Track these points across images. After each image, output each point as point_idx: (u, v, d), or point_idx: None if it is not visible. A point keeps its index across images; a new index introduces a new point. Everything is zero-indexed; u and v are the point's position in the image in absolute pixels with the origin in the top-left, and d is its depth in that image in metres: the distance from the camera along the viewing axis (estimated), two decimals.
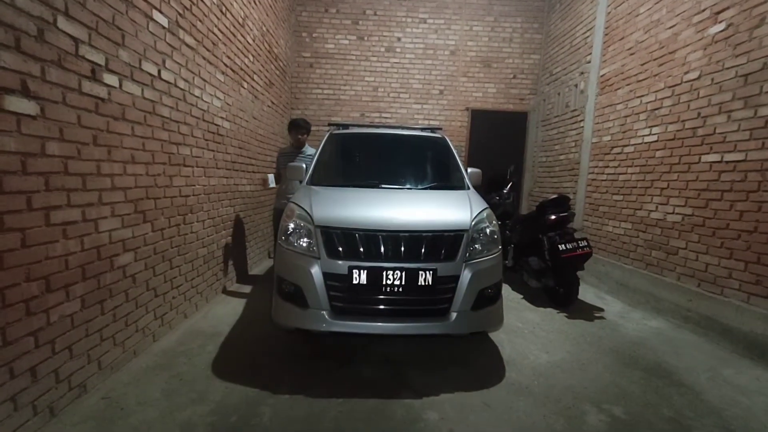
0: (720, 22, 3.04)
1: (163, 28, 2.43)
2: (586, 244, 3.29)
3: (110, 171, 2.00)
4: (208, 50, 3.07)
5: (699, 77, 3.22)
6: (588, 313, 3.37)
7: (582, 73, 5.07)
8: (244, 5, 3.87)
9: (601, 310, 3.48)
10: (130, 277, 2.21)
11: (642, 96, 3.88)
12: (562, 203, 3.69)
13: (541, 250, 3.53)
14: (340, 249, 2.13)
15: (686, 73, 3.35)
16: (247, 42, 4.01)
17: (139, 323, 2.30)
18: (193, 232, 2.98)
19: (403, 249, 2.16)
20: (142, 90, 2.24)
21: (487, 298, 2.22)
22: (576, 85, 5.21)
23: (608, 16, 4.53)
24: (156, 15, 2.34)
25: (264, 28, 4.59)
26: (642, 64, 3.90)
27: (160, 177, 2.48)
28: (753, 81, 2.76)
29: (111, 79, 1.98)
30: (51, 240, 1.65)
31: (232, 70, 3.63)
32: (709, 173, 3.07)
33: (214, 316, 2.98)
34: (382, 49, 6.22)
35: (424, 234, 2.18)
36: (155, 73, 2.36)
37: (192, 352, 2.38)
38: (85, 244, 1.86)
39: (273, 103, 5.17)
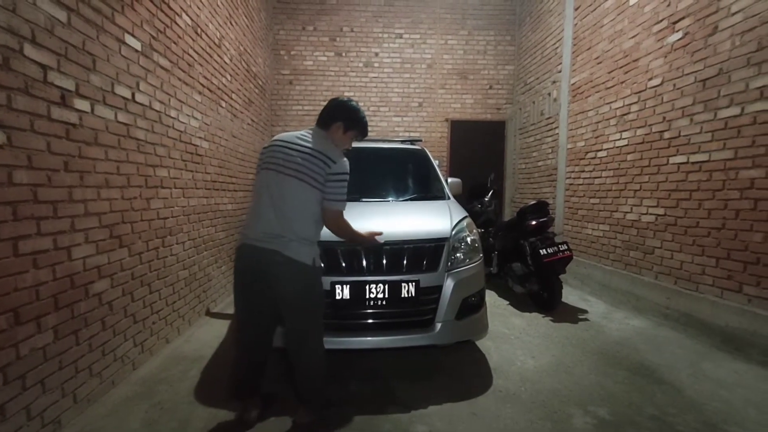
0: (677, 31, 3.22)
1: (136, 51, 2.42)
2: (566, 247, 3.36)
3: (83, 197, 1.97)
4: (183, 71, 3.07)
5: (662, 83, 3.38)
6: (572, 315, 3.42)
7: (554, 82, 5.25)
8: (220, 26, 3.90)
9: (585, 311, 3.54)
10: (106, 304, 2.15)
11: (611, 102, 4.04)
12: (542, 208, 3.77)
13: (523, 256, 3.59)
14: (322, 265, 2.12)
15: (650, 79, 3.51)
16: (224, 62, 4.03)
17: (117, 352, 2.23)
18: (173, 255, 2.93)
19: (385, 262, 2.17)
20: (116, 114, 2.22)
21: (470, 307, 2.24)
22: (549, 94, 5.39)
23: (575, 28, 4.73)
24: (128, 39, 2.34)
25: (241, 48, 4.62)
26: (609, 72, 4.07)
27: (137, 200, 2.44)
28: (711, 86, 2.91)
29: (82, 104, 1.96)
30: (20, 270, 1.60)
31: (210, 90, 3.63)
32: (678, 174, 3.19)
33: (198, 340, 2.91)
34: (360, 65, 6.32)
35: (405, 245, 2.19)
36: (129, 96, 2.35)
37: (174, 379, 2.31)
38: (57, 273, 1.80)
39: (253, 121, 5.17)
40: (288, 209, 1.70)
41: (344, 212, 1.81)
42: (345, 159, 1.79)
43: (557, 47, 5.17)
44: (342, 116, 1.85)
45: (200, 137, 3.39)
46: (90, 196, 2.02)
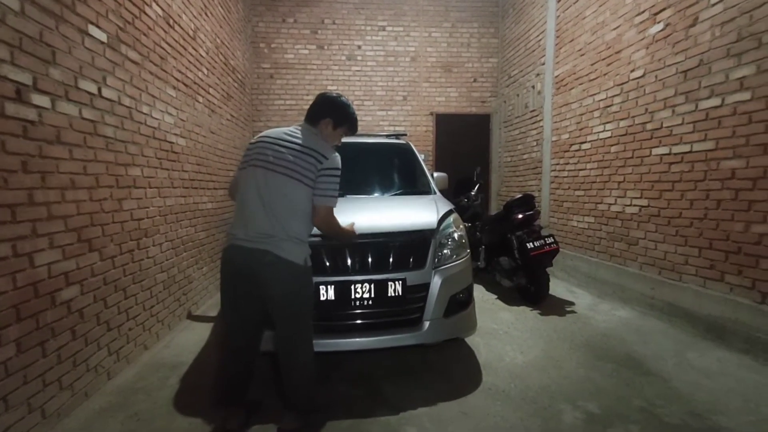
0: (658, 22, 3.22)
1: (102, 43, 2.28)
2: (552, 240, 3.36)
3: (45, 199, 1.83)
4: (155, 65, 2.92)
5: (644, 75, 3.38)
6: (560, 308, 3.44)
7: (538, 74, 5.24)
8: (195, 17, 3.73)
9: (572, 303, 3.56)
10: (76, 312, 2.02)
11: (594, 94, 4.05)
12: (528, 202, 3.76)
13: (510, 250, 3.58)
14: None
15: (632, 71, 3.52)
16: (200, 55, 3.87)
17: (90, 362, 2.11)
18: (150, 257, 2.80)
19: (370, 260, 2.10)
20: (80, 110, 2.08)
21: (458, 304, 2.20)
22: (533, 87, 5.38)
23: (558, 20, 4.72)
24: (92, 30, 2.19)
25: (218, 40, 4.45)
26: (592, 64, 4.07)
27: (107, 201, 2.31)
28: (692, 77, 2.92)
29: (41, 100, 1.82)
30: None
31: (185, 85, 3.48)
32: (660, 165, 3.22)
33: (178, 345, 2.81)
34: (343, 58, 6.20)
35: (390, 241, 2.14)
36: (95, 91, 2.20)
37: (152, 387, 2.21)
38: (18, 282, 1.68)
39: (233, 116, 5.01)
40: (279, 207, 1.63)
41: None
42: (336, 154, 1.73)
43: (540, 39, 5.16)
44: (331, 112, 1.79)
45: (176, 134, 3.25)
46: (53, 198, 1.89)
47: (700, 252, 2.86)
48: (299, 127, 1.79)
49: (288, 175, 1.63)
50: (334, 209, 1.76)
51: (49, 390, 1.83)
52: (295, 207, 1.65)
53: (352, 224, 1.97)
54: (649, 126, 3.34)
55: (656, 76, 3.25)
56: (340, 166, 1.71)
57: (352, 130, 1.88)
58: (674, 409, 1.92)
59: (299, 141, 1.69)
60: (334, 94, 1.85)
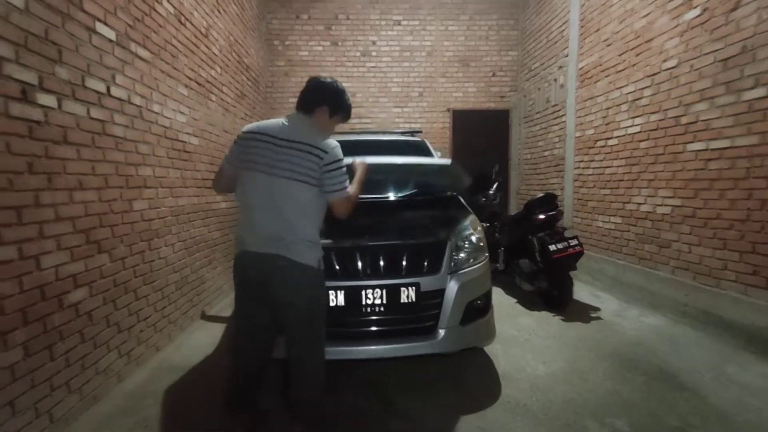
0: (695, 7, 2.98)
1: (110, 41, 2.24)
2: (577, 242, 3.18)
3: (52, 200, 1.81)
4: (167, 63, 2.88)
5: (678, 65, 3.15)
6: (584, 314, 3.25)
7: (560, 67, 5.01)
8: (207, 15, 3.69)
9: (597, 309, 3.37)
10: (85, 314, 2.00)
11: (622, 87, 3.81)
12: (550, 201, 3.58)
13: (531, 252, 3.41)
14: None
15: (664, 61, 3.28)
16: (213, 53, 3.84)
17: (99, 365, 2.09)
18: (162, 258, 2.78)
19: (382, 263, 2.00)
20: (88, 109, 2.05)
21: (476, 311, 2.08)
22: (555, 80, 5.15)
23: (582, 8, 4.48)
24: (100, 27, 2.15)
25: (231, 38, 4.42)
26: (619, 55, 3.84)
27: (117, 202, 2.28)
28: (733, 65, 2.69)
29: (47, 100, 1.79)
30: None
31: (197, 83, 3.44)
32: (696, 162, 2.99)
33: (190, 346, 2.78)
34: (358, 54, 6.09)
35: (404, 244, 2.03)
36: (103, 90, 2.17)
37: (161, 391, 2.17)
38: (25, 285, 1.65)
39: (247, 115, 4.98)
40: (287, 211, 1.55)
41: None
42: (335, 143, 1.61)
43: (563, 30, 4.92)
44: (328, 99, 1.67)
45: (188, 133, 3.22)
46: (61, 200, 1.86)
47: (741, 256, 2.63)
48: (292, 118, 1.66)
49: (292, 178, 1.54)
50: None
51: (57, 394, 1.81)
52: (303, 208, 1.57)
53: (361, 166, 1.80)
54: (683, 120, 3.11)
55: (691, 66, 3.02)
56: (341, 155, 1.61)
57: (347, 118, 1.78)
58: (714, 431, 1.75)
59: (296, 137, 1.57)
60: (329, 80, 1.71)
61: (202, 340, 2.90)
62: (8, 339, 1.58)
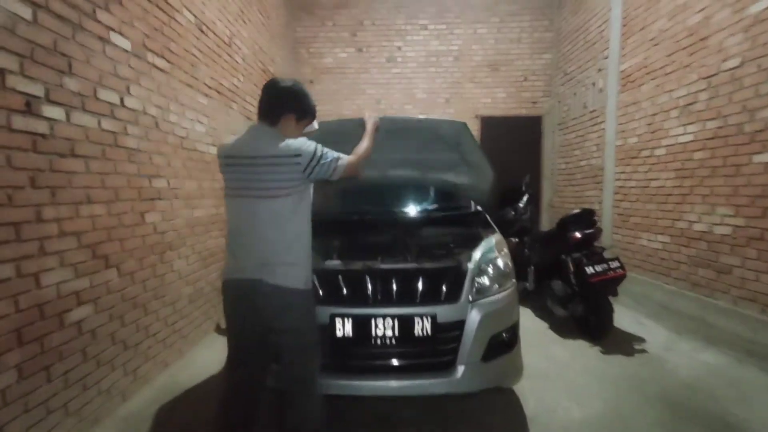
0: None
1: (125, 51, 2.21)
2: (618, 265, 2.84)
3: (56, 215, 1.76)
4: (186, 72, 2.86)
5: (741, 64, 2.76)
6: (627, 345, 2.89)
7: (599, 70, 4.64)
8: (230, 23, 3.68)
9: (642, 340, 3.00)
10: (88, 333, 1.94)
11: (671, 91, 3.43)
12: (587, 218, 3.25)
13: (565, 273, 3.09)
14: (320, 293, 1.80)
15: (724, 61, 2.90)
16: (236, 62, 3.82)
17: (102, 384, 2.02)
18: (174, 270, 2.72)
19: (395, 288, 1.81)
20: (99, 121, 2.01)
21: (501, 345, 1.84)
22: (593, 84, 4.78)
23: (625, 5, 4.12)
24: (114, 38, 2.12)
25: (256, 46, 4.40)
26: (668, 55, 3.46)
27: (128, 215, 2.23)
28: None
29: (54, 112, 1.75)
30: None
31: (218, 92, 3.41)
32: (765, 176, 2.59)
33: (199, 363, 2.69)
34: (383, 60, 5.96)
35: (419, 268, 1.83)
36: (116, 101, 2.13)
37: (163, 413, 2.08)
38: (21, 304, 1.60)
39: None
40: (267, 232, 1.46)
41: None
42: (302, 139, 1.49)
43: (603, 30, 4.55)
44: (292, 106, 1.55)
45: (206, 143, 3.18)
46: (65, 214, 1.81)
47: None
48: (256, 131, 1.54)
49: (268, 196, 1.45)
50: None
51: (53, 417, 1.74)
52: (286, 224, 1.47)
53: (371, 119, 1.83)
54: (747, 127, 2.72)
55: (758, 66, 2.63)
56: (314, 143, 1.48)
57: (314, 119, 1.69)
58: None
59: (264, 152, 1.45)
60: (288, 83, 1.57)
61: (212, 355, 2.80)
62: (0, 362, 1.51)
